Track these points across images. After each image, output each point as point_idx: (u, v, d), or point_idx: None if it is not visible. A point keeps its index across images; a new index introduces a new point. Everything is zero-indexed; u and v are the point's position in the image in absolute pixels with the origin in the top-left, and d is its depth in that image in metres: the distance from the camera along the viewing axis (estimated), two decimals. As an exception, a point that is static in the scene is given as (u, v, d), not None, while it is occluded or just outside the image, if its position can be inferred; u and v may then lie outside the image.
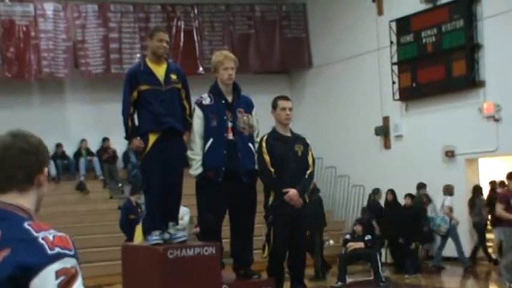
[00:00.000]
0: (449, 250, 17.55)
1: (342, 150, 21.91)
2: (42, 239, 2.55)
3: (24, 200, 2.73)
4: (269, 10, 23.75)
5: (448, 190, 17.45)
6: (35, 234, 2.57)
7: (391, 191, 18.12)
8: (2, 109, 20.42)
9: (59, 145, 21.28)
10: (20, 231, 2.59)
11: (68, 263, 2.54)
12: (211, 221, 7.43)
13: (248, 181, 7.50)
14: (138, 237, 12.47)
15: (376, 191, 19.05)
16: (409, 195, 17.66)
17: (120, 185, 21.26)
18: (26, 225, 2.60)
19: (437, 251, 17.69)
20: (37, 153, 2.79)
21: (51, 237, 2.57)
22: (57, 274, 2.50)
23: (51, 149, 21.25)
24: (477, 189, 18.08)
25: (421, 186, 18.26)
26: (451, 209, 17.22)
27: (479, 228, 17.83)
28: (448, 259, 17.82)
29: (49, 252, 2.52)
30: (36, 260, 2.49)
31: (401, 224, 17.06)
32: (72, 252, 2.58)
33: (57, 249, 2.54)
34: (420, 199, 17.89)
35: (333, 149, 21.60)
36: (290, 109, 7.99)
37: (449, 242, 17.38)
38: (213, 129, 7.42)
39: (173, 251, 6.79)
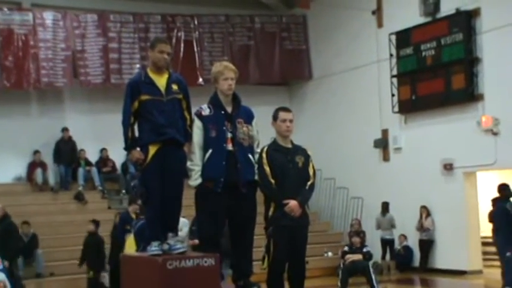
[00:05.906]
0: None
1: (341, 162, 21.92)
2: None
3: None
4: (269, 21, 23.78)
5: None
6: None
7: None
8: (1, 118, 20.42)
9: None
10: None
11: None
12: (210, 231, 7.40)
13: (248, 192, 7.44)
14: (130, 247, 12.51)
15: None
16: None
17: (123, 191, 21.33)
18: None
19: None
20: None
21: None
22: None
23: (50, 158, 21.27)
24: None
25: None
26: None
27: None
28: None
29: None
30: None
31: None
32: (0, 267, 2.62)
33: None
34: None
35: (332, 161, 21.57)
36: (291, 121, 7.97)
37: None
38: (212, 139, 7.37)
39: (172, 261, 6.75)
